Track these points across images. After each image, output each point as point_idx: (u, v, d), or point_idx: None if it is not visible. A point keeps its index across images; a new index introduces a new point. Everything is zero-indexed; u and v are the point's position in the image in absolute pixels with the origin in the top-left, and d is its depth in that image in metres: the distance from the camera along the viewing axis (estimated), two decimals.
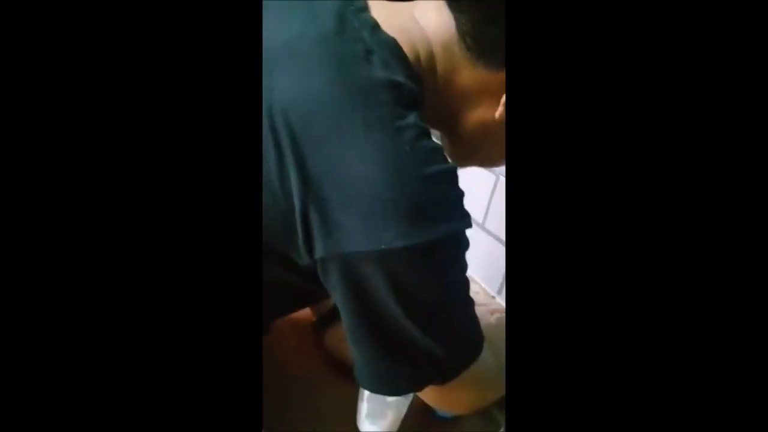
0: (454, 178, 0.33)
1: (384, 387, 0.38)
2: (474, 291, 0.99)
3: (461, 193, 0.33)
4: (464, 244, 0.34)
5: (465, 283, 0.36)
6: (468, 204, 1.12)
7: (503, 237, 0.87)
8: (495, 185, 0.89)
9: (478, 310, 0.83)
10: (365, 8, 0.36)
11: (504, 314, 0.81)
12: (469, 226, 0.34)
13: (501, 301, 0.86)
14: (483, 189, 0.91)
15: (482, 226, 0.92)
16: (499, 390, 0.46)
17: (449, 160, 0.33)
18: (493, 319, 0.74)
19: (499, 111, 0.38)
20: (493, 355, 0.41)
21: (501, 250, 0.86)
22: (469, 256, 1.13)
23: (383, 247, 0.29)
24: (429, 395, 0.41)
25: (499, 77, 0.37)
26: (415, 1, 0.39)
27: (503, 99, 0.37)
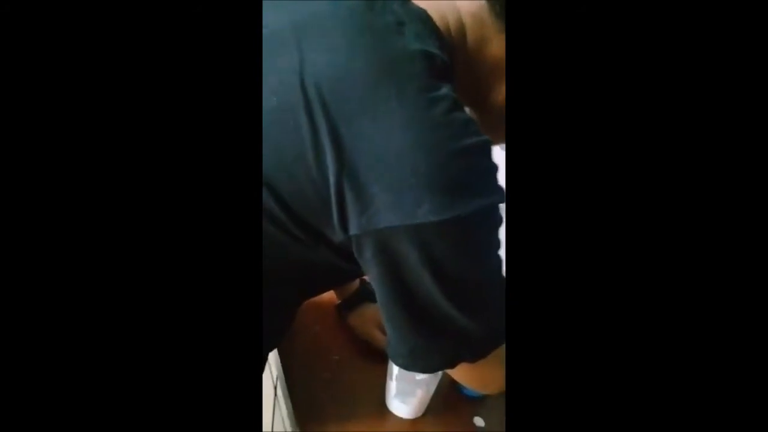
0: (488, 151, 0.32)
1: (417, 364, 0.38)
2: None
3: (495, 167, 0.32)
4: (498, 218, 0.33)
5: (498, 259, 0.35)
6: None
7: None
8: None
9: None
10: None
11: None
12: (502, 200, 0.32)
13: None
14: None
15: None
16: None
17: (481, 132, 0.33)
18: None
19: None
20: None
21: None
22: None
23: (417, 221, 0.29)
24: (460, 373, 0.41)
25: None
26: None
27: None
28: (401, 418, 0.52)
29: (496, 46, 0.37)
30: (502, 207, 0.34)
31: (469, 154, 0.30)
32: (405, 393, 0.49)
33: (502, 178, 0.34)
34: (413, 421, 0.53)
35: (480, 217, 0.31)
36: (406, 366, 0.38)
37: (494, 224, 0.33)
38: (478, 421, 0.53)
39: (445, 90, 0.31)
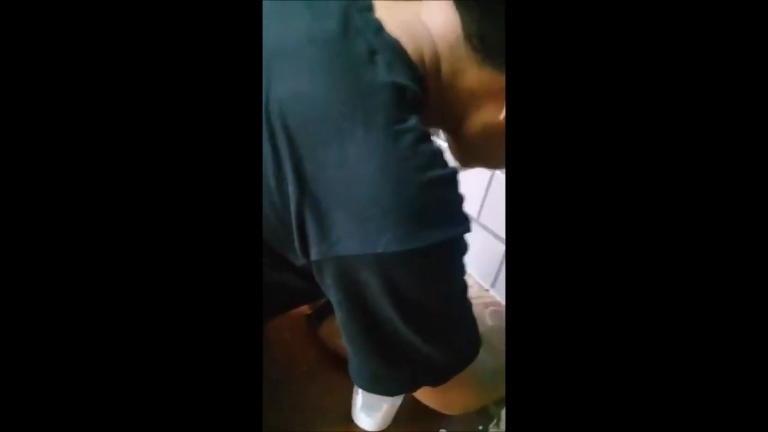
0: (454, 183, 0.32)
1: (378, 387, 0.38)
2: (468, 284, 0.99)
3: (461, 198, 0.33)
4: (462, 248, 0.33)
5: (463, 287, 0.35)
6: (465, 199, 1.11)
7: (498, 232, 0.87)
8: (491, 180, 0.89)
9: (473, 304, 0.83)
10: (370, 8, 0.35)
11: (499, 309, 0.81)
12: (468, 230, 0.33)
13: (494, 295, 0.86)
14: (478, 184, 0.91)
15: (477, 221, 0.93)
16: (495, 391, 0.45)
17: (450, 164, 0.33)
18: (489, 318, 0.74)
19: (503, 113, 0.38)
20: (490, 356, 0.41)
21: (496, 245, 0.87)
22: None
23: (379, 251, 0.29)
24: (423, 395, 0.41)
25: (504, 79, 0.36)
26: (421, 1, 0.38)
27: None
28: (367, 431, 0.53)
29: (471, 79, 0.37)
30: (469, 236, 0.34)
31: (434, 186, 0.30)
32: (370, 407, 0.50)
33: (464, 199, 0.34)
34: None
35: (444, 247, 0.31)
36: (367, 389, 0.39)
37: (458, 254, 0.33)
38: None
39: (413, 122, 0.31)
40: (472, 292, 0.85)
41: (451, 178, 0.32)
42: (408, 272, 0.31)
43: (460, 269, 0.34)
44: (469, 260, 1.09)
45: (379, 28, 0.34)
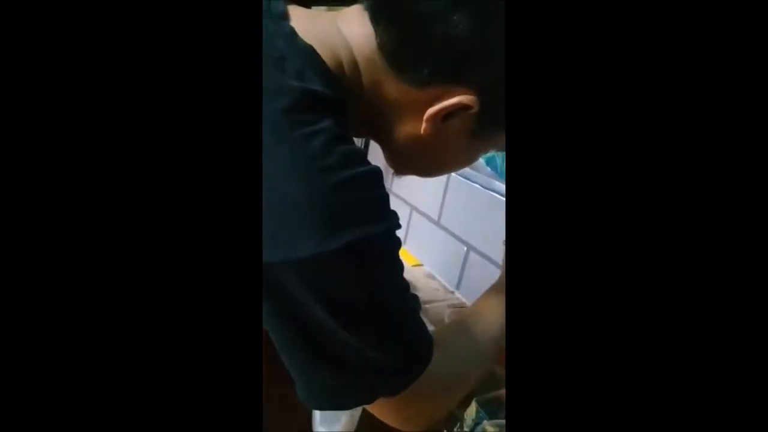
0: (373, 181, 0.32)
1: (329, 402, 0.35)
2: (433, 287, 0.99)
3: (382, 195, 0.32)
4: (388, 244, 0.32)
5: (398, 285, 0.34)
6: (423, 202, 1.12)
7: (458, 233, 0.87)
8: (447, 182, 0.89)
9: (437, 306, 0.83)
10: (283, 16, 0.35)
11: (460, 310, 0.81)
12: (394, 226, 0.32)
13: (460, 296, 0.86)
14: (437, 186, 0.91)
15: (438, 223, 0.93)
16: (456, 397, 0.43)
17: (368, 163, 0.32)
18: (448, 319, 0.74)
19: (423, 128, 0.36)
20: (446, 360, 0.38)
21: (457, 246, 0.87)
22: (428, 252, 1.14)
23: (298, 255, 0.28)
24: (381, 411, 0.38)
25: (422, 94, 0.35)
26: (339, 10, 0.38)
27: (426, 115, 0.36)
28: None
29: (390, 91, 0.36)
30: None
31: (350, 185, 0.29)
32: (329, 420, 0.48)
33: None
34: None
35: (367, 245, 0.30)
36: (318, 406, 0.36)
37: (386, 251, 0.32)
38: None
39: (324, 124, 0.30)
40: (438, 295, 0.86)
41: (370, 176, 0.31)
42: (333, 275, 0.29)
43: (392, 267, 0.33)
44: (433, 263, 1.09)
45: (291, 34, 0.33)
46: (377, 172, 0.32)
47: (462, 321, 0.47)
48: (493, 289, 0.50)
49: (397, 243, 0.33)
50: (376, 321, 0.32)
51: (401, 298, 0.34)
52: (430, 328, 0.67)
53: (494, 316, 0.45)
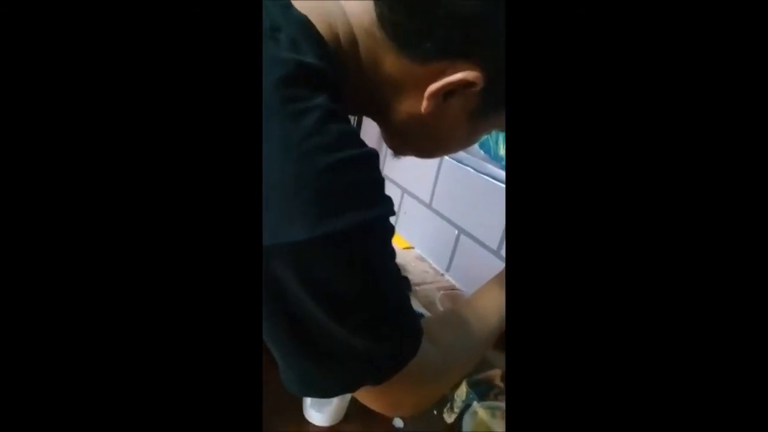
0: (367, 163, 0.30)
1: (312, 389, 0.34)
2: (423, 270, 0.99)
3: (376, 179, 0.31)
4: (381, 231, 0.31)
5: (390, 272, 0.33)
6: (415, 184, 1.11)
7: (449, 216, 0.87)
8: (440, 165, 0.89)
9: (427, 288, 0.83)
10: None
11: (450, 293, 0.81)
12: (389, 213, 0.31)
13: (450, 279, 0.87)
14: (429, 169, 0.91)
15: (429, 206, 0.92)
16: (443, 386, 0.43)
17: (363, 144, 0.31)
18: (440, 303, 0.74)
19: (424, 105, 0.35)
20: (434, 348, 0.38)
21: (448, 229, 0.87)
22: (419, 235, 1.13)
23: (288, 240, 0.27)
24: (366, 397, 0.37)
25: (424, 69, 0.34)
26: None
27: (427, 92, 0.34)
28: (319, 426, 0.51)
29: (390, 66, 0.34)
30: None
31: (343, 167, 0.28)
32: (320, 403, 0.48)
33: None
34: (331, 428, 0.51)
35: (359, 231, 0.29)
36: (301, 392, 0.35)
37: (378, 238, 0.31)
38: (397, 422, 0.53)
39: (319, 100, 0.28)
40: (428, 277, 0.86)
41: (365, 158, 0.30)
42: (323, 261, 0.28)
43: (384, 254, 0.32)
44: (424, 245, 1.09)
45: (285, 4, 0.32)
46: (372, 155, 0.31)
47: (456, 311, 0.46)
48: (493, 281, 0.49)
49: (390, 230, 0.32)
50: (365, 310, 0.31)
51: (391, 287, 0.33)
52: (420, 310, 0.67)
53: (491, 307, 0.44)
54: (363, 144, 0.30)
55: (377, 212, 0.30)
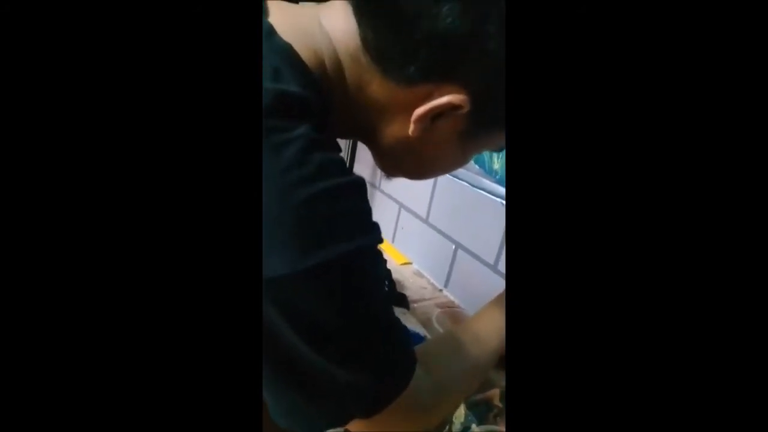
0: (350, 192, 0.30)
1: (300, 424, 0.33)
2: (421, 286, 0.98)
3: (360, 208, 0.30)
4: (365, 262, 0.30)
5: (378, 303, 0.32)
6: (412, 199, 1.11)
7: (446, 231, 0.87)
8: (436, 180, 0.89)
9: (425, 305, 0.82)
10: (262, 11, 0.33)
11: (449, 311, 0.80)
12: (375, 241, 0.31)
13: (448, 295, 0.86)
14: (425, 184, 0.91)
15: (426, 221, 0.92)
16: (439, 414, 0.42)
17: (349, 172, 0.30)
18: (436, 322, 0.73)
19: (411, 129, 0.34)
20: (429, 377, 0.37)
21: (446, 244, 0.86)
22: (416, 250, 1.13)
23: (269, 275, 0.26)
24: (357, 429, 0.36)
25: (410, 93, 0.33)
26: (322, 3, 0.36)
27: (414, 116, 0.34)
28: None
29: (375, 90, 0.34)
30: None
31: (325, 198, 0.28)
32: None
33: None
34: None
35: (342, 263, 0.28)
36: (289, 426, 0.34)
37: (363, 268, 0.30)
38: None
39: (300, 130, 0.28)
40: (426, 294, 0.85)
41: (348, 187, 0.29)
42: (305, 295, 0.27)
43: (371, 284, 0.31)
44: (421, 260, 1.09)
45: (269, 32, 0.32)
46: (357, 183, 0.30)
47: (454, 334, 0.45)
48: (492, 303, 0.48)
49: (376, 259, 0.31)
50: (350, 343, 0.30)
51: (378, 318, 0.32)
52: (417, 329, 0.66)
53: (491, 330, 0.43)
54: (347, 172, 0.30)
55: (360, 243, 0.29)
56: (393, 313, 0.34)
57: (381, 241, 0.31)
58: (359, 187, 0.30)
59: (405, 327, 0.37)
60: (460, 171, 0.81)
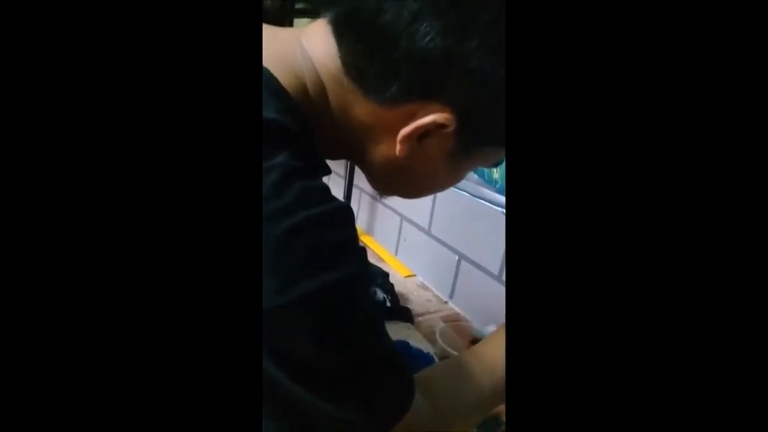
0: (333, 220, 0.29)
1: None
2: (426, 299, 0.97)
3: (342, 236, 0.29)
4: (351, 291, 0.29)
5: (364, 335, 0.31)
6: (414, 211, 1.11)
7: (449, 242, 0.86)
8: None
9: (430, 319, 0.81)
10: None
11: (454, 324, 0.79)
12: (361, 267, 0.30)
13: (453, 307, 0.85)
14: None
15: (428, 233, 0.91)
16: None
17: (332, 198, 0.30)
18: (440, 337, 0.72)
19: (398, 149, 0.34)
20: (428, 403, 0.36)
21: (449, 255, 0.86)
22: (420, 262, 1.12)
23: None
24: None
25: (393, 113, 0.33)
26: (304, 27, 0.36)
27: (399, 137, 0.33)
28: None
29: (359, 112, 0.34)
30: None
31: (305, 229, 0.27)
32: None
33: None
34: None
35: (325, 295, 0.27)
36: None
37: (348, 300, 0.29)
38: None
39: (278, 159, 0.27)
40: (431, 306, 0.84)
41: (330, 215, 0.28)
42: (287, 329, 0.27)
43: (356, 316, 0.30)
44: (425, 272, 1.08)
45: None
46: (339, 209, 0.29)
47: (458, 363, 0.43)
48: (502, 328, 0.46)
49: (363, 287, 0.30)
50: (338, 376, 0.29)
51: (369, 348, 0.31)
52: (421, 346, 0.65)
53: (500, 357, 0.41)
54: (330, 199, 0.29)
55: (343, 272, 0.28)
56: (387, 340, 0.33)
57: (366, 265, 0.30)
58: (340, 212, 0.29)
59: (401, 351, 0.35)
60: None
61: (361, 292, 0.30)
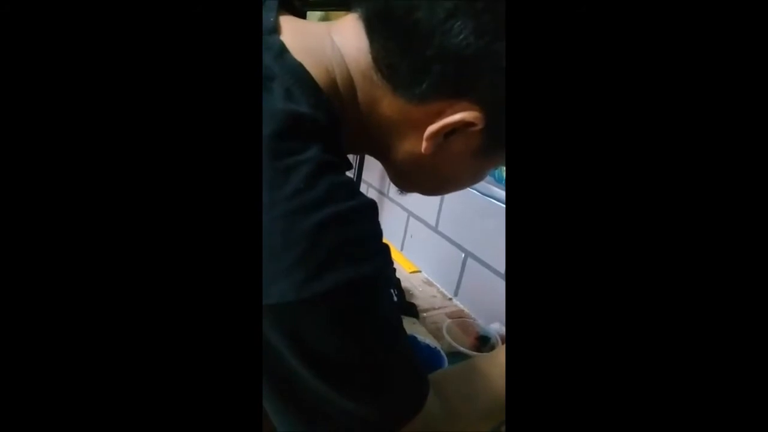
0: (362, 216, 0.29)
1: None
2: (431, 295, 0.97)
3: (368, 231, 0.29)
4: (374, 288, 0.29)
5: (384, 332, 0.31)
6: (421, 208, 1.11)
7: (456, 239, 0.86)
8: None
9: (435, 315, 0.81)
10: (273, 29, 0.33)
11: (459, 320, 0.80)
12: (385, 265, 0.30)
13: (458, 303, 0.85)
14: None
15: (436, 229, 0.92)
16: None
17: (359, 194, 0.30)
18: (446, 332, 0.72)
19: (424, 146, 0.34)
20: (439, 402, 0.36)
21: (455, 252, 0.86)
22: (426, 258, 1.13)
23: (272, 302, 0.26)
24: None
25: (422, 110, 0.33)
26: (334, 21, 0.36)
27: (426, 133, 0.33)
28: None
29: (387, 108, 0.34)
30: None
31: (334, 222, 0.27)
32: None
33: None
34: None
35: (349, 290, 0.27)
36: None
37: (371, 295, 0.29)
38: None
39: (310, 152, 0.28)
40: (436, 302, 0.85)
41: (358, 211, 0.29)
42: (310, 323, 0.27)
43: (378, 313, 0.30)
44: (431, 269, 1.08)
45: (280, 50, 0.32)
46: (366, 206, 0.29)
47: (475, 365, 0.43)
48: None
49: (385, 284, 0.31)
50: (362, 372, 0.30)
51: (390, 344, 0.31)
52: (427, 341, 0.65)
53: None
54: (357, 195, 0.29)
55: (368, 269, 0.28)
56: (404, 338, 0.33)
57: (390, 263, 0.31)
58: (367, 209, 0.30)
59: (416, 349, 0.36)
60: None
61: (384, 290, 0.31)
